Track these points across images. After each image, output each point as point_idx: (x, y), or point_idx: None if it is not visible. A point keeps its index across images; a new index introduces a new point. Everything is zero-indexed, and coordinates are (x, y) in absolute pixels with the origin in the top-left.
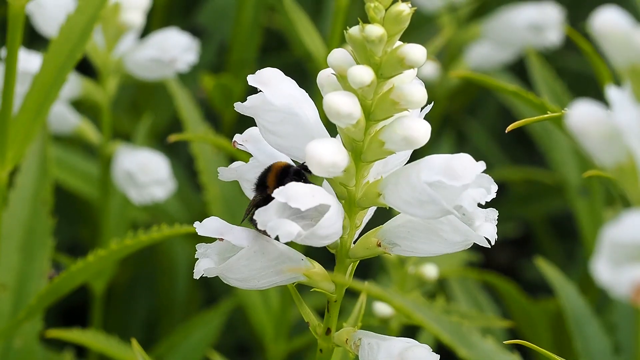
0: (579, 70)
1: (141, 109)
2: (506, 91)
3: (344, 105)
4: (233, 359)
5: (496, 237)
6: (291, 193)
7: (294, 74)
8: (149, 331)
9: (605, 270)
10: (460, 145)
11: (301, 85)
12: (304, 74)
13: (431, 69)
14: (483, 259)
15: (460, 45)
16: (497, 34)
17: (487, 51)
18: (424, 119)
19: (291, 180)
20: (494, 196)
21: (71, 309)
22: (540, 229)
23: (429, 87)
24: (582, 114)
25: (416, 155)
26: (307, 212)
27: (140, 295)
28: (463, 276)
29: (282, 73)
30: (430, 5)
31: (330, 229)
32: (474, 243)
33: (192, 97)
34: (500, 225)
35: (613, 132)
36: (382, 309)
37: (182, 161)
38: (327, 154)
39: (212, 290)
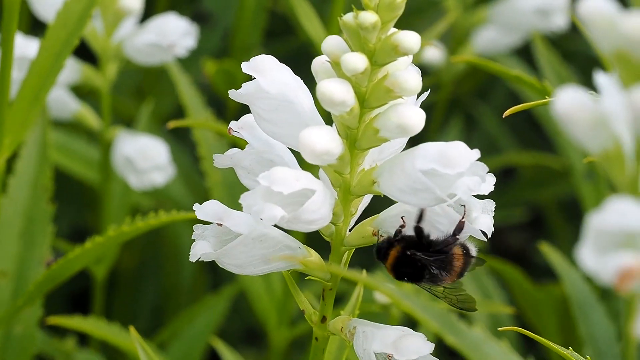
0: (588, 53)
1: (147, 94)
2: (508, 76)
3: (337, 92)
4: (240, 344)
5: (493, 230)
6: (275, 177)
7: (299, 59)
8: (157, 317)
9: (590, 257)
10: (470, 129)
11: (307, 69)
12: (309, 58)
13: (437, 53)
14: (495, 243)
15: (466, 29)
16: (503, 18)
17: (493, 35)
18: (425, 104)
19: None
20: (492, 189)
21: (76, 295)
22: (552, 213)
23: (436, 71)
24: (567, 101)
25: (420, 141)
26: (295, 198)
27: (148, 281)
28: None
29: (277, 60)
30: None
31: (315, 214)
32: None
33: (196, 82)
34: (510, 209)
35: (599, 118)
36: (382, 296)
37: (188, 147)
38: (320, 142)
39: (218, 275)
